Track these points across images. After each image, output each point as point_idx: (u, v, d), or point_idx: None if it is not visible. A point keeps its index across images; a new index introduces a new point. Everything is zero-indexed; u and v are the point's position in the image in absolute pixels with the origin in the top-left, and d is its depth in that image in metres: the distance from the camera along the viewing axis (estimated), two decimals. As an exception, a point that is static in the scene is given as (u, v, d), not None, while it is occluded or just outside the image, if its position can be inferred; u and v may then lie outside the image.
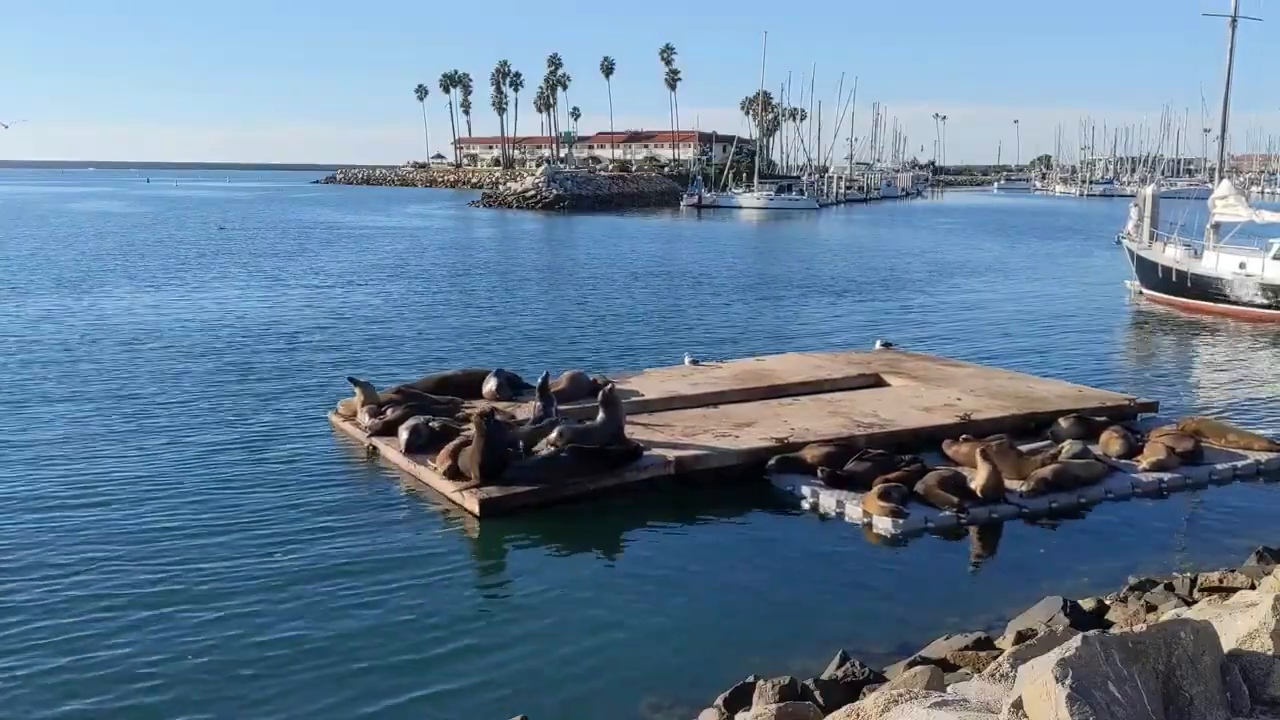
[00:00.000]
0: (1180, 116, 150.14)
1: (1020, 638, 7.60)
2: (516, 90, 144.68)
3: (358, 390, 14.87)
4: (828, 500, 11.90)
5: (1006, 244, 58.67)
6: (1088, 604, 8.66)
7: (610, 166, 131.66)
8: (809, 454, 12.71)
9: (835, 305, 31.66)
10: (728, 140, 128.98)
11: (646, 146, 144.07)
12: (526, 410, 14.16)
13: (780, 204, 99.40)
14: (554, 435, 12.74)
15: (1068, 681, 3.96)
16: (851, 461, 12.45)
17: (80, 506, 11.84)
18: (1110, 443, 13.51)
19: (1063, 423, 14.31)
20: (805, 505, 12.08)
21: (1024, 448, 13.25)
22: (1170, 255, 30.83)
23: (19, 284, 34.01)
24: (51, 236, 57.05)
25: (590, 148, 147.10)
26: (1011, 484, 12.11)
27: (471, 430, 12.27)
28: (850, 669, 7.21)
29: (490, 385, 15.68)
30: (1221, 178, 34.29)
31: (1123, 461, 13.14)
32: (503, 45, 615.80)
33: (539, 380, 14.30)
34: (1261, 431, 14.97)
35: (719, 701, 6.98)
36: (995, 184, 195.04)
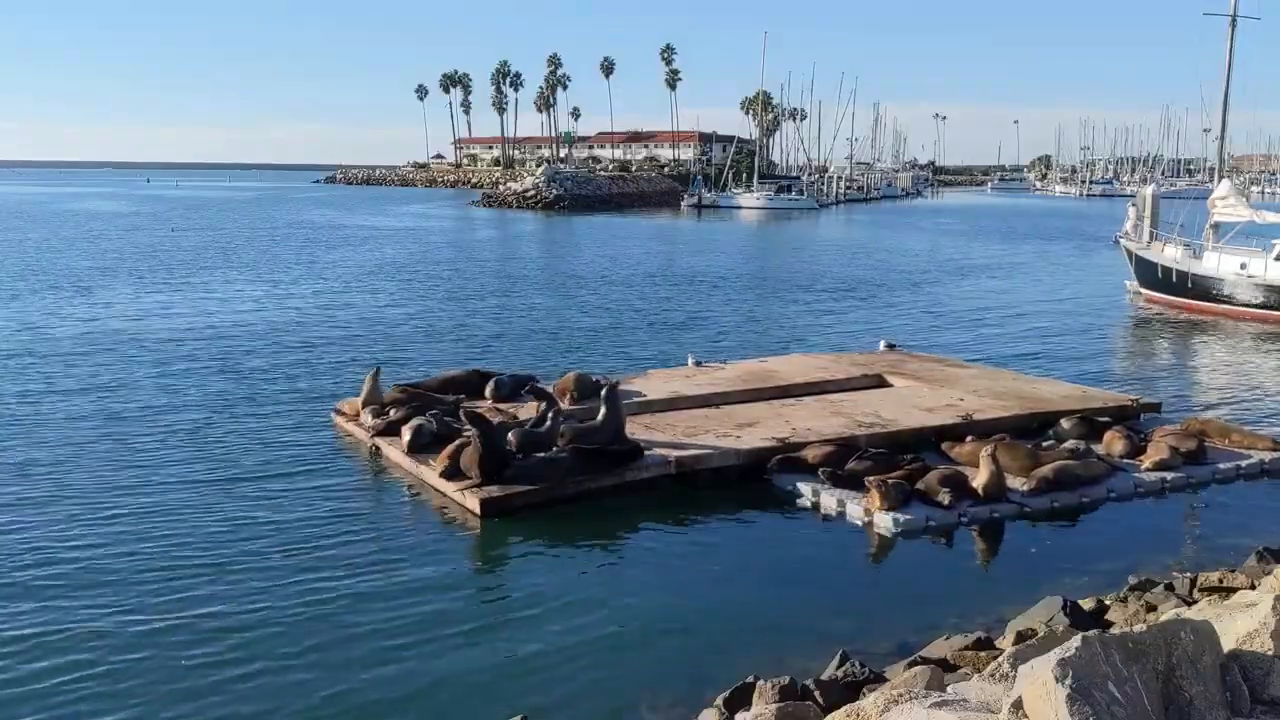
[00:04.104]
0: (1180, 116, 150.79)
1: (1020, 638, 7.61)
2: (516, 90, 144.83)
3: (368, 380, 14.82)
4: (828, 500, 11.91)
5: (1008, 245, 58.66)
6: (1088, 604, 8.67)
7: (610, 166, 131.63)
8: (810, 454, 12.72)
9: (839, 306, 31.67)
10: (728, 140, 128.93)
11: (647, 146, 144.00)
12: (529, 410, 14.17)
13: (780, 204, 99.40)
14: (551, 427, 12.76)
15: (1068, 681, 3.97)
16: (852, 461, 12.45)
17: (83, 502, 11.85)
18: (1113, 442, 13.52)
19: (1065, 423, 14.32)
20: (806, 505, 12.09)
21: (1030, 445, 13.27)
22: (1170, 255, 30.79)
23: (16, 286, 34.01)
24: (47, 239, 57.03)
25: (590, 148, 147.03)
26: (1013, 483, 12.13)
27: (472, 430, 12.28)
28: (850, 669, 7.21)
29: (492, 386, 15.70)
30: (1221, 178, 34.27)
31: (1125, 461, 13.15)
32: (503, 45, 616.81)
33: (533, 381, 14.37)
34: (1265, 431, 14.97)
35: (719, 701, 6.99)
36: (989, 184, 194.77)
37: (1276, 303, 27.61)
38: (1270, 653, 4.89)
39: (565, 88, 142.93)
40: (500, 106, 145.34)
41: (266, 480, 12.92)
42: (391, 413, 14.30)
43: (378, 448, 13.91)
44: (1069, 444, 13.49)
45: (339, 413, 15.60)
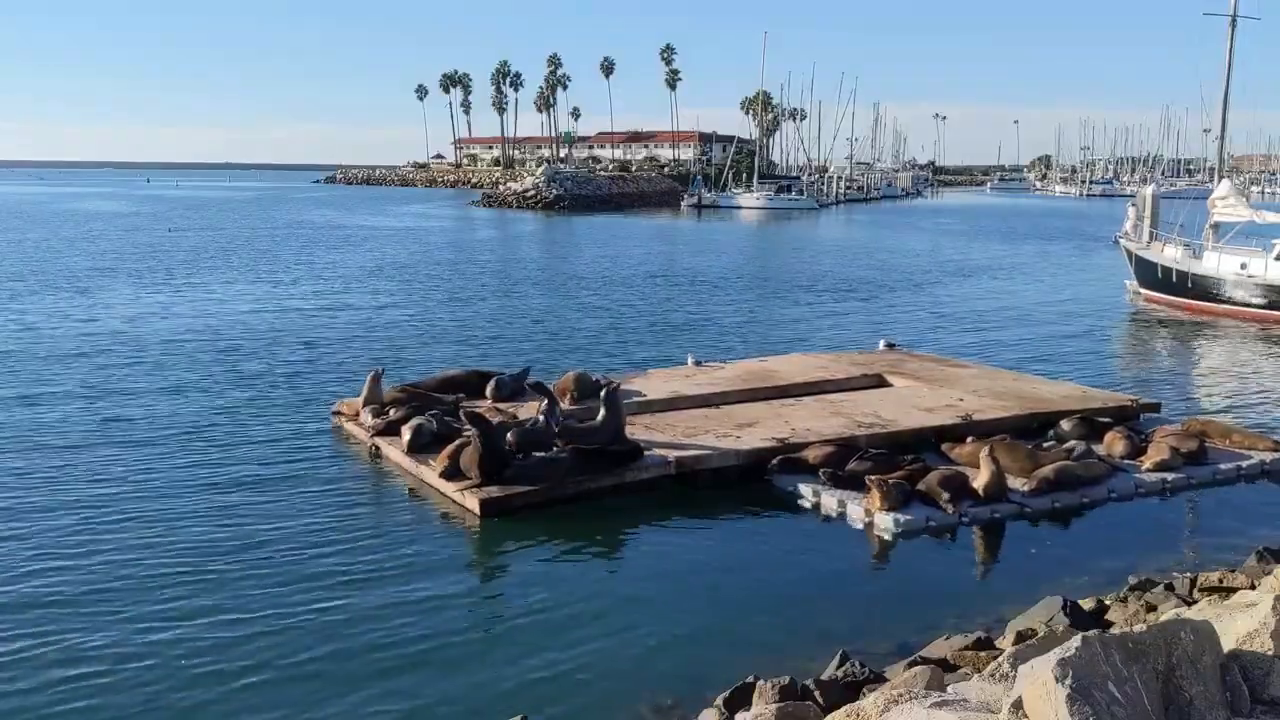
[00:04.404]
0: (1180, 116, 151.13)
1: (1020, 638, 7.61)
2: (516, 90, 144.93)
3: (366, 385, 14.80)
4: (829, 501, 11.91)
5: (1008, 245, 58.68)
6: (1088, 604, 8.67)
7: (610, 166, 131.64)
8: (811, 454, 12.71)
9: (839, 306, 31.67)
10: (728, 140, 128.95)
11: (647, 146, 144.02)
12: (530, 410, 14.17)
13: (780, 204, 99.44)
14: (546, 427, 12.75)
15: (1068, 681, 3.97)
16: (853, 461, 12.45)
17: (83, 500, 11.85)
18: (1114, 443, 13.51)
19: (1065, 424, 14.31)
20: (806, 505, 12.09)
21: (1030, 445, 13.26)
22: (1170, 255, 30.78)
23: (15, 287, 34.01)
24: (46, 239, 57.03)
25: (590, 148, 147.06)
26: (1014, 483, 12.13)
27: (472, 430, 12.28)
28: (850, 669, 7.21)
29: (493, 386, 15.69)
30: (1221, 178, 34.26)
31: (1126, 462, 13.14)
32: (503, 45, 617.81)
33: (533, 380, 14.36)
34: (1266, 432, 14.96)
35: (719, 701, 6.99)
36: (989, 184, 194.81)
37: (1277, 303, 27.60)
38: (1270, 653, 4.89)
39: (565, 88, 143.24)
40: (500, 106, 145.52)
41: (266, 480, 12.92)
42: (391, 412, 14.30)
43: (378, 448, 13.91)
44: (1069, 444, 13.49)
45: (339, 413, 15.60)
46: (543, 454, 12.43)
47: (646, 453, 12.77)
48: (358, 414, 14.82)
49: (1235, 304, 28.59)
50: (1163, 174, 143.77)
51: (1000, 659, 5.47)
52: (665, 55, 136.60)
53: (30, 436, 14.90)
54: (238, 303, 30.28)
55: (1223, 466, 13.24)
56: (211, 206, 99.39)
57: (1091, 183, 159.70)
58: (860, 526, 11.41)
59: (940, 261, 46.85)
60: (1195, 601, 8.24)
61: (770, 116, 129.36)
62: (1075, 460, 12.69)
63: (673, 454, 12.82)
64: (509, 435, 12.56)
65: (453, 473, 12.15)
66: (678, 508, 11.96)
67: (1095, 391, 16.86)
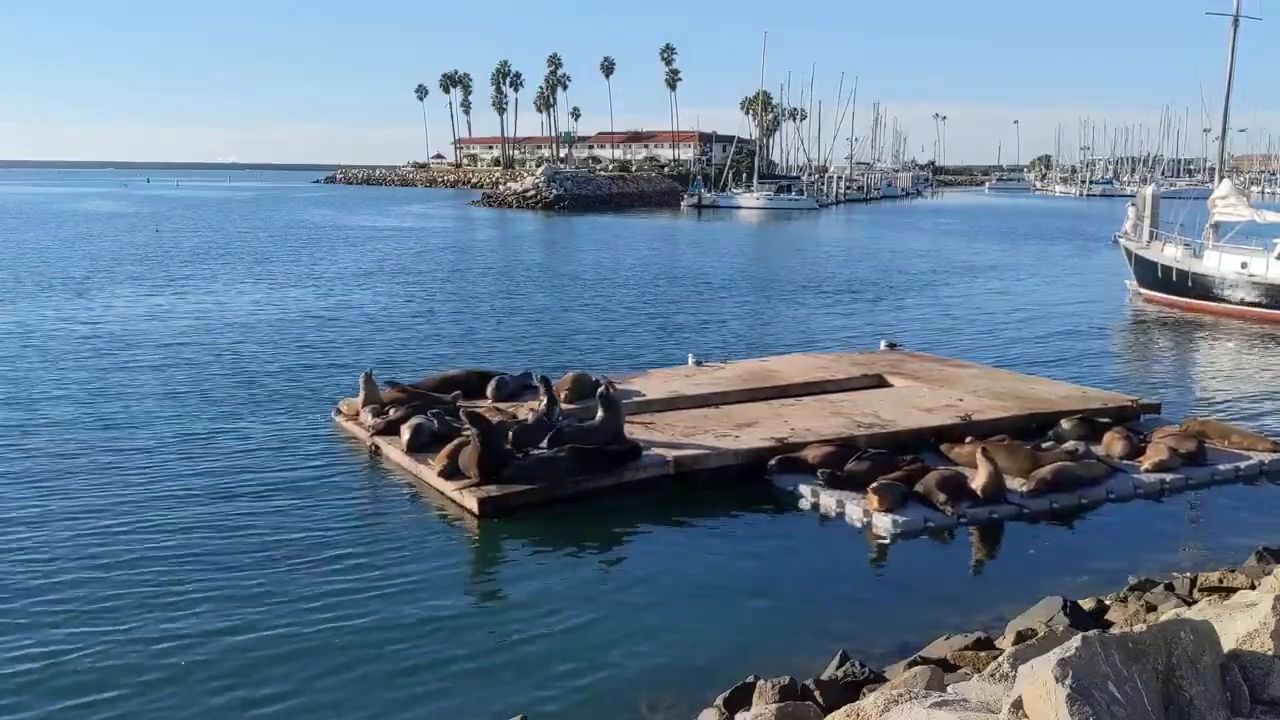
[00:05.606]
0: (1180, 116, 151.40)
1: (1020, 638, 7.60)
2: (516, 90, 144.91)
3: (362, 386, 14.82)
4: (828, 500, 11.90)
5: (1008, 245, 58.66)
6: (1088, 604, 8.67)
7: (610, 166, 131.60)
8: (810, 454, 12.71)
9: (840, 306, 31.66)
10: (728, 140, 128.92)
11: (646, 146, 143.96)
12: (529, 410, 14.16)
13: (780, 204, 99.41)
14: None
15: (1068, 681, 3.97)
16: (852, 462, 12.44)
17: (82, 501, 11.85)
18: (1113, 444, 13.51)
19: (1065, 424, 14.31)
20: (806, 505, 12.08)
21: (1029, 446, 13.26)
22: (1170, 255, 30.77)
23: (12, 288, 33.99)
24: (42, 239, 57.00)
25: (590, 148, 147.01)
26: (1013, 484, 12.12)
27: (471, 430, 12.27)
28: (850, 669, 7.21)
29: (493, 385, 15.69)
30: (1222, 177, 34.26)
31: (1125, 462, 13.14)
32: (503, 45, 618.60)
33: (538, 380, 14.35)
34: (1265, 432, 14.96)
35: (719, 701, 6.98)
36: (987, 184, 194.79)
37: (1277, 302, 27.59)
38: (1270, 653, 4.89)
39: (565, 88, 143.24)
40: (500, 106, 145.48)
41: (266, 480, 12.91)
42: (391, 412, 14.30)
43: (378, 447, 13.91)
44: (1069, 445, 13.49)
45: (339, 412, 15.60)
46: (542, 453, 12.43)
47: (646, 452, 12.76)
48: (358, 414, 14.82)
49: (1235, 303, 28.58)
50: (1163, 174, 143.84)
51: (1000, 659, 5.46)
52: (665, 55, 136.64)
53: (30, 439, 14.89)
54: (238, 303, 30.26)
55: (1221, 467, 13.24)
56: (211, 206, 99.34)
57: (1091, 183, 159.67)
58: (859, 526, 11.41)
59: (940, 262, 46.83)
60: (1195, 601, 8.24)
61: (770, 116, 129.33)
62: (1074, 461, 12.68)
63: (672, 454, 12.82)
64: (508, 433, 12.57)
65: (451, 472, 12.15)
66: (677, 508, 11.95)
67: (1095, 392, 16.86)
